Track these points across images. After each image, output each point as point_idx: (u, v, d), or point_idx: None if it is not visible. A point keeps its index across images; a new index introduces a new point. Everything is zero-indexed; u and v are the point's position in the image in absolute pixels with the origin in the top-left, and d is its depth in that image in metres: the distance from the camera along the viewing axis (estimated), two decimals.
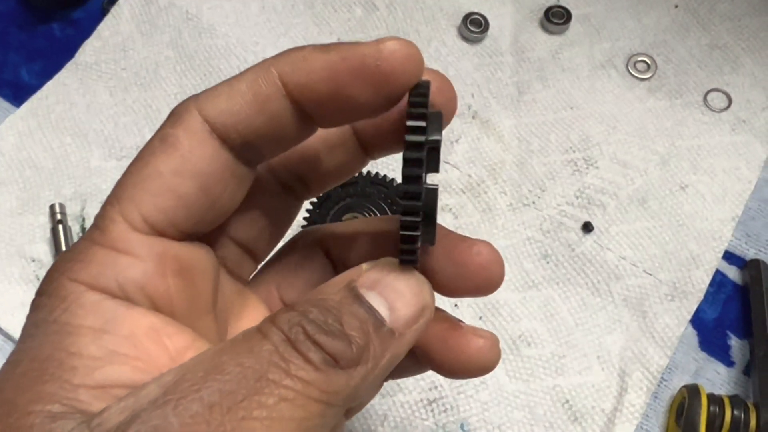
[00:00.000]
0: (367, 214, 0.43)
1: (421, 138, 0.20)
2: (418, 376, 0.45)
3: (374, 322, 0.21)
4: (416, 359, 0.25)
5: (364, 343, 0.20)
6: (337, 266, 0.27)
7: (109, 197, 0.23)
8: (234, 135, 0.22)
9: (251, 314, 0.27)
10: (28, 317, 0.22)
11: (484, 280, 0.24)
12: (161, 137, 0.22)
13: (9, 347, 0.46)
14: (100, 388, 0.20)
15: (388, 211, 0.45)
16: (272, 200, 0.26)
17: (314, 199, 0.24)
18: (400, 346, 0.22)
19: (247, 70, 0.22)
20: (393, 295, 0.22)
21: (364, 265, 0.23)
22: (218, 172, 0.22)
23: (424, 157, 0.21)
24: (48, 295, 0.22)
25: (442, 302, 0.29)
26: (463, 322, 0.25)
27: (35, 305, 0.22)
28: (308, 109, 0.22)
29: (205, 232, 0.24)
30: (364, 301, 0.21)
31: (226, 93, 0.22)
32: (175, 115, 0.22)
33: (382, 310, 0.21)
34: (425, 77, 0.22)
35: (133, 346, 0.21)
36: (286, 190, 0.27)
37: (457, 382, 0.45)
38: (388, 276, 0.22)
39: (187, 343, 0.22)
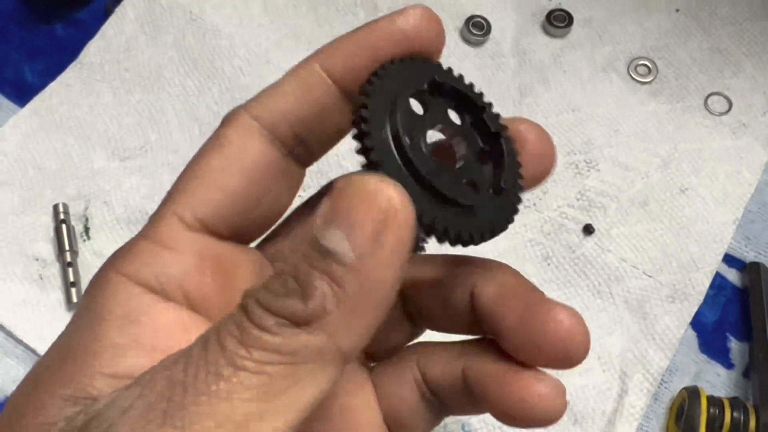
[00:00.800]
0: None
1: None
2: None
3: (330, 262, 0.18)
4: (474, 399, 0.23)
5: (322, 293, 0.18)
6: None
7: (165, 195, 0.23)
8: (283, 128, 0.23)
9: None
10: (77, 306, 0.23)
11: (561, 354, 0.21)
12: (212, 138, 0.23)
13: (11, 345, 0.46)
14: (114, 376, 0.20)
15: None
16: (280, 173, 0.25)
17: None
18: (377, 271, 0.18)
19: (289, 70, 0.23)
20: (347, 217, 0.18)
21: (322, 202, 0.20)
22: (267, 168, 0.23)
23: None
24: (93, 285, 0.22)
25: None
26: (527, 367, 0.22)
27: (84, 294, 0.23)
28: (350, 87, 0.22)
29: (253, 233, 0.24)
30: (318, 243, 0.18)
31: (271, 91, 0.23)
32: (226, 119, 0.23)
33: (338, 241, 0.18)
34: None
35: (158, 339, 0.21)
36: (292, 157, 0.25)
37: None
38: (340, 200, 0.18)
39: None
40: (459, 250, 0.22)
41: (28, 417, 0.20)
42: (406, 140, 0.20)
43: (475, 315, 0.23)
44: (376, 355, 0.25)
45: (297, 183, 0.24)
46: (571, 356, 0.21)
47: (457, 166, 0.22)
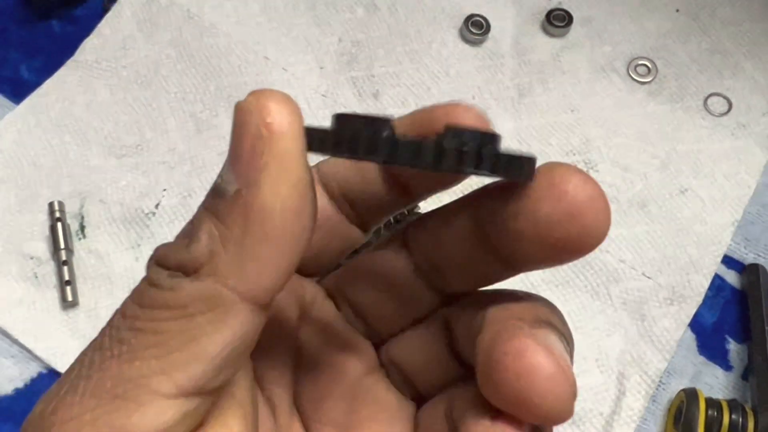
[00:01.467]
0: None
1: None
2: None
3: (212, 200, 0.17)
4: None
5: (207, 237, 0.17)
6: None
7: None
8: (333, 185, 0.22)
9: None
10: None
11: (521, 400, 0.17)
12: None
13: (6, 345, 0.46)
14: None
15: None
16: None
17: None
18: (253, 205, 0.16)
19: None
20: (232, 151, 0.16)
21: None
22: (325, 219, 0.22)
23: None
24: None
25: None
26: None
27: None
28: (402, 180, 0.21)
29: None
30: (213, 192, 0.17)
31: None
32: None
33: (226, 175, 0.17)
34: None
35: None
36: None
37: None
38: (233, 137, 0.17)
39: None
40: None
41: None
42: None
43: None
44: (426, 392, 0.23)
45: (353, 244, 0.23)
46: (535, 405, 0.16)
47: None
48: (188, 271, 0.17)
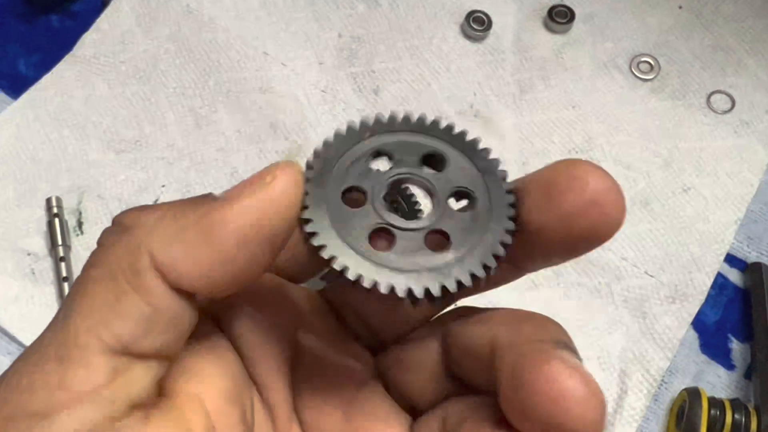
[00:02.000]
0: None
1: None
2: None
3: (194, 198, 0.19)
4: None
5: (167, 207, 0.19)
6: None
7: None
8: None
9: None
10: None
11: (554, 423, 0.16)
12: None
13: (3, 342, 0.45)
14: None
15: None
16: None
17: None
18: (217, 207, 0.18)
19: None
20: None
21: None
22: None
23: None
24: None
25: None
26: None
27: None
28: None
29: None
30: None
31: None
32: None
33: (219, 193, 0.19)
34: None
35: None
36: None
37: None
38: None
39: None
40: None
41: None
42: (343, 228, 0.20)
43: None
44: (419, 405, 0.23)
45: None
46: (570, 428, 0.16)
47: (425, 214, 0.21)
48: (127, 225, 0.19)
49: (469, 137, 0.22)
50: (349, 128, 0.21)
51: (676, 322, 0.47)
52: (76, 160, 0.51)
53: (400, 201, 0.43)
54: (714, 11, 0.59)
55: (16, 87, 0.54)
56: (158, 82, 0.54)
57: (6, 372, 0.19)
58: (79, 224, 0.49)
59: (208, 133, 0.53)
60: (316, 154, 0.21)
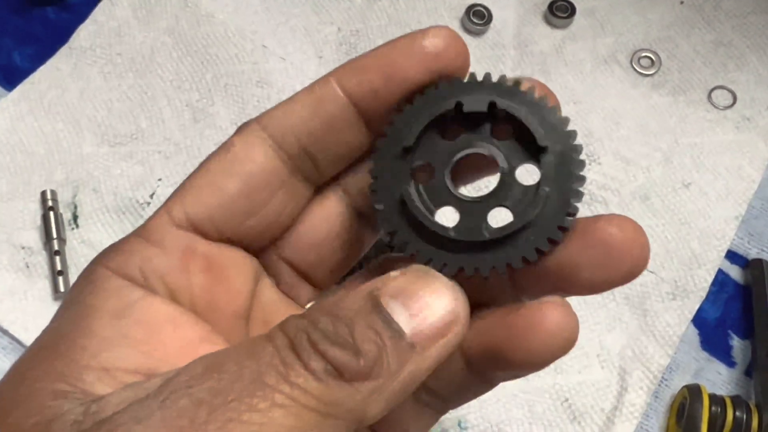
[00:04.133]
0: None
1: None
2: None
3: (391, 334, 0.19)
4: (477, 375, 0.23)
5: (376, 357, 0.19)
6: None
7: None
8: (290, 141, 0.23)
9: None
10: (63, 300, 0.23)
11: (628, 263, 0.20)
12: (221, 145, 0.23)
13: None
14: (104, 370, 0.20)
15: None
16: (343, 230, 0.25)
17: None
18: (423, 362, 0.20)
19: (307, 85, 0.23)
20: (418, 304, 0.20)
21: (392, 273, 0.21)
22: (267, 177, 0.23)
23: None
24: (80, 279, 0.22)
25: None
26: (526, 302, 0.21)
27: (71, 288, 0.23)
28: (365, 104, 0.22)
29: (251, 242, 0.24)
30: (382, 310, 0.19)
31: (284, 103, 0.23)
32: (238, 128, 0.24)
33: (403, 320, 0.19)
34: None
35: (145, 332, 0.21)
36: (362, 220, 0.25)
37: None
38: (415, 284, 0.20)
39: (202, 335, 0.22)
40: None
41: (17, 414, 0.19)
42: (414, 199, 0.21)
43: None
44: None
45: (301, 199, 0.24)
46: (637, 261, 0.20)
47: (491, 187, 0.22)
48: (346, 376, 0.18)
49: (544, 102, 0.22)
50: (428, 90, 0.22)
51: (677, 318, 0.47)
52: (71, 153, 0.50)
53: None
54: (715, 7, 0.59)
55: (11, 79, 0.53)
56: (155, 75, 0.53)
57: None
58: (75, 218, 0.48)
59: (206, 126, 0.52)
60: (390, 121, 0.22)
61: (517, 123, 0.21)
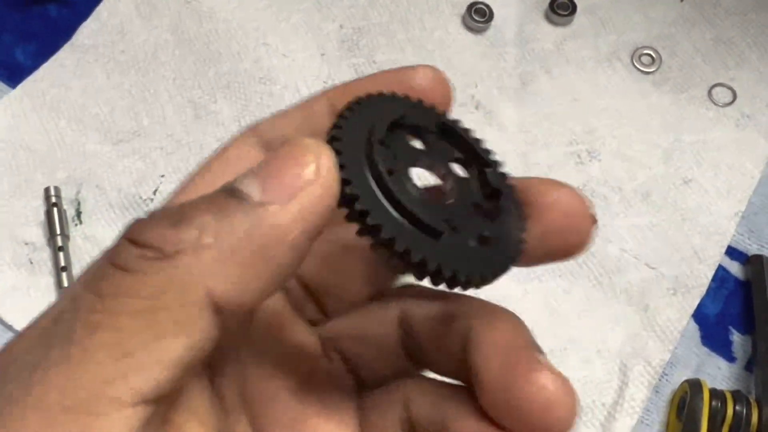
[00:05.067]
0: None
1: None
2: None
3: (220, 198, 0.17)
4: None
5: (200, 222, 0.16)
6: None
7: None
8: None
9: None
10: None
11: (539, 424, 0.18)
12: (215, 152, 0.22)
13: (0, 332, 0.45)
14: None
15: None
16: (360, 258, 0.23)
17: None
18: (268, 220, 0.16)
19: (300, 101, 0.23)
20: (267, 166, 0.17)
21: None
22: None
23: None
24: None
25: None
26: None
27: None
28: None
29: None
30: (227, 184, 0.17)
31: (278, 113, 0.23)
32: (232, 138, 0.23)
33: (246, 185, 0.17)
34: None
35: None
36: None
37: None
38: (272, 154, 0.17)
39: None
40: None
41: None
42: (384, 170, 0.18)
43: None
44: (368, 382, 0.23)
45: None
46: (550, 429, 0.18)
47: (448, 202, 0.21)
48: (166, 252, 0.16)
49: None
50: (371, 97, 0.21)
51: (677, 314, 0.47)
52: (74, 150, 0.51)
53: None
54: (716, 4, 0.59)
55: (14, 76, 0.53)
56: (157, 73, 0.54)
57: None
58: (78, 214, 0.48)
59: (208, 123, 0.52)
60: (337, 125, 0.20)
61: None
